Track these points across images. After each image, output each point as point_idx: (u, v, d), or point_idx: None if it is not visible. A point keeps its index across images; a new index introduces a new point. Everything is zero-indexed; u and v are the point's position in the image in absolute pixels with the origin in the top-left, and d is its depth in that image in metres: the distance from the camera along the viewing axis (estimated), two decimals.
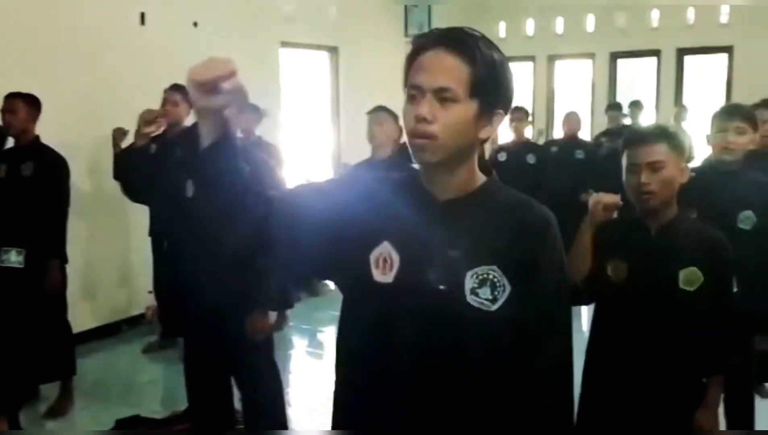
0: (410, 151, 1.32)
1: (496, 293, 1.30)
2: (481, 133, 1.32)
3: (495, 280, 1.31)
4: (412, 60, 1.32)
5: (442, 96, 1.26)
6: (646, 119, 8.26)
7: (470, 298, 1.30)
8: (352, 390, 1.42)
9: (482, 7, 9.10)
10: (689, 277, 2.08)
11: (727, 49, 8.28)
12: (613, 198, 2.22)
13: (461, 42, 1.28)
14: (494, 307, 1.30)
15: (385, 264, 1.34)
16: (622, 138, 2.25)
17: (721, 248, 2.14)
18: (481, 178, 1.39)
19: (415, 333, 1.31)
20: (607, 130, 7.85)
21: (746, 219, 2.84)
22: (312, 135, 7.76)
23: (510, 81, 1.35)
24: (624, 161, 2.15)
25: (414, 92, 1.30)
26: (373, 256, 1.35)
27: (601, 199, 2.21)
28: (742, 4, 7.93)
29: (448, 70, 1.27)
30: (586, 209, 2.27)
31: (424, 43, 1.31)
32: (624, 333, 2.13)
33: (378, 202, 1.38)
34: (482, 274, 1.31)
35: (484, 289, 1.30)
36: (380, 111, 4.16)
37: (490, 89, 1.29)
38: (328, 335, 5.51)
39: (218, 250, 1.75)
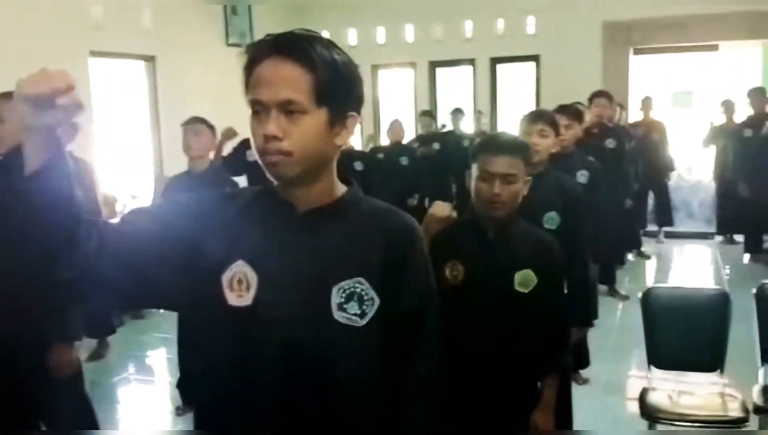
0: (264, 168, 1.23)
1: (364, 307, 1.25)
2: (338, 140, 1.26)
3: (363, 293, 1.25)
4: (249, 72, 1.23)
5: (288, 109, 1.19)
6: (466, 125, 8.66)
7: (337, 315, 1.23)
8: (215, 421, 1.29)
9: (305, 15, 9.10)
10: (524, 279, 2.12)
11: (535, 58, 8.85)
12: (444, 211, 2.24)
13: (297, 47, 1.21)
14: (363, 322, 1.25)
15: (240, 285, 1.24)
16: (477, 143, 2.26)
17: (553, 251, 2.21)
18: (341, 187, 1.33)
19: (280, 358, 1.22)
20: (419, 135, 8.16)
21: (550, 219, 3.00)
22: (130, 148, 7.35)
23: (357, 80, 1.29)
24: (476, 167, 2.15)
25: (258, 108, 1.21)
26: (225, 278, 1.24)
27: (434, 213, 2.22)
28: (548, 15, 8.52)
29: (289, 80, 1.19)
30: (414, 214, 2.28)
31: (259, 52, 1.22)
32: (462, 335, 2.13)
33: (227, 218, 1.28)
34: (349, 288, 1.24)
35: (351, 303, 1.24)
36: (196, 122, 3.99)
37: (338, 93, 1.23)
38: (157, 359, 5.22)
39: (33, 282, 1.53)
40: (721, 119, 8.06)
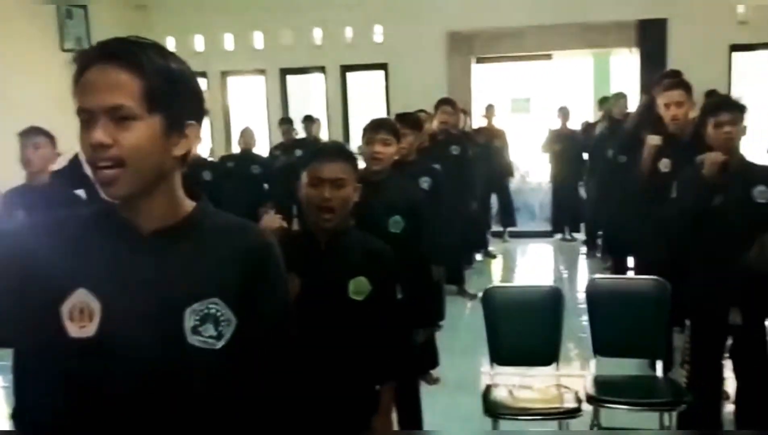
0: (97, 186, 1.14)
1: (221, 329, 1.19)
2: (176, 151, 1.19)
3: (218, 314, 1.19)
4: (76, 80, 1.15)
5: (117, 115, 1.12)
6: (320, 132, 8.68)
7: (192, 339, 1.17)
8: None
9: (148, 20, 8.77)
10: (357, 287, 2.14)
11: (383, 66, 9.03)
12: (274, 223, 2.22)
13: (125, 52, 1.14)
14: (221, 344, 1.19)
15: (81, 315, 1.15)
16: (304, 152, 2.27)
17: (386, 257, 2.24)
18: (188, 203, 1.26)
19: (131, 391, 1.14)
20: (280, 143, 8.09)
21: (395, 223, 3.07)
22: None
23: (194, 87, 1.23)
24: (306, 175, 2.15)
25: (85, 117, 1.13)
26: (65, 309, 1.15)
27: (266, 225, 2.20)
28: (394, 25, 8.72)
29: (116, 85, 1.12)
30: None
31: (87, 59, 1.15)
32: (301, 346, 2.12)
33: (63, 245, 1.18)
34: (203, 310, 1.18)
35: (206, 326, 1.18)
36: (35, 133, 3.72)
37: (172, 100, 1.17)
38: None
39: None
40: (557, 124, 8.59)
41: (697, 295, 3.22)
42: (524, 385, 3.28)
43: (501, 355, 3.31)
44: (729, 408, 3.45)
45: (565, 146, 8.25)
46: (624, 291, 3.42)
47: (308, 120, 8.29)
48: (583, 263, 7.81)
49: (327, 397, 2.10)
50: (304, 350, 1.97)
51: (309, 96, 10.07)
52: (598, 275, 4.35)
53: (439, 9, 8.45)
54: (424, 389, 4.25)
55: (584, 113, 8.10)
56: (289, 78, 9.47)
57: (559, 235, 8.83)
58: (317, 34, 9.13)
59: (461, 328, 5.40)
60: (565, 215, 8.67)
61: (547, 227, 9.05)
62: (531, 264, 8.10)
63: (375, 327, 2.17)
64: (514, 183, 9.06)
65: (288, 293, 1.36)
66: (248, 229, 1.31)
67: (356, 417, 2.17)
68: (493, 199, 8.68)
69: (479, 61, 9.29)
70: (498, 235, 8.80)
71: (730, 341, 3.26)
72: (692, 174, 3.17)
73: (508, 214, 8.76)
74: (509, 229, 8.85)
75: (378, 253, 2.23)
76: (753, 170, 3.19)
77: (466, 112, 7.95)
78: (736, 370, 3.25)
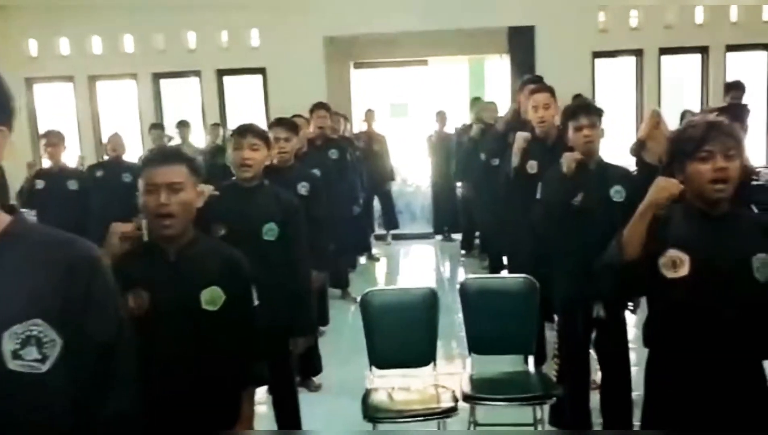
0: None
1: (45, 351, 1.12)
2: None
3: (41, 335, 1.12)
4: None
5: None
6: (196, 138, 8.45)
7: (13, 364, 1.09)
8: None
9: (5, 22, 8.24)
10: (211, 297, 2.10)
11: (261, 71, 8.92)
12: (126, 227, 2.14)
13: None
14: (46, 367, 1.12)
15: None
16: (140, 160, 2.20)
17: (238, 265, 2.21)
18: (4, 218, 1.17)
19: None
20: (150, 150, 7.77)
21: (270, 231, 3.02)
22: None
23: (4, 92, 1.16)
24: (142, 184, 2.10)
25: None
26: None
27: (113, 232, 2.11)
28: (271, 29, 8.62)
29: None
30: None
31: None
32: (156, 362, 2.03)
33: None
34: (23, 332, 1.11)
35: (28, 348, 1.11)
36: None
37: None
38: None
39: None
40: (435, 128, 8.78)
41: (563, 291, 3.36)
42: (403, 387, 3.31)
43: (380, 359, 3.32)
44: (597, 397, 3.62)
45: (444, 149, 8.44)
46: (495, 290, 3.52)
47: (182, 125, 8.05)
48: (463, 263, 8.01)
49: (186, 408, 2.04)
50: (153, 363, 1.92)
51: (184, 101, 9.78)
52: (470, 275, 4.45)
53: (316, 14, 8.44)
54: (307, 396, 4.24)
55: (461, 117, 8.31)
56: (163, 82, 9.17)
57: (439, 236, 9.03)
58: (191, 37, 8.89)
59: (345, 332, 5.39)
60: (445, 217, 8.88)
61: (429, 229, 9.23)
62: (414, 265, 8.22)
63: (231, 335, 2.13)
64: (395, 186, 9.18)
65: (119, 309, 1.30)
66: (71, 244, 1.24)
67: (218, 425, 2.12)
68: (376, 203, 8.75)
69: (357, 66, 9.36)
70: (381, 238, 8.89)
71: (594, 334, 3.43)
72: (555, 174, 3.32)
73: (390, 217, 8.87)
74: (392, 231, 8.96)
75: (232, 261, 2.19)
76: (610, 171, 3.37)
77: (346, 118, 7.98)
78: (601, 361, 3.42)
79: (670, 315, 2.14)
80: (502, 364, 3.56)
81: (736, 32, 8.53)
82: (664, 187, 2.10)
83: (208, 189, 2.73)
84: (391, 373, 3.44)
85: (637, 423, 2.73)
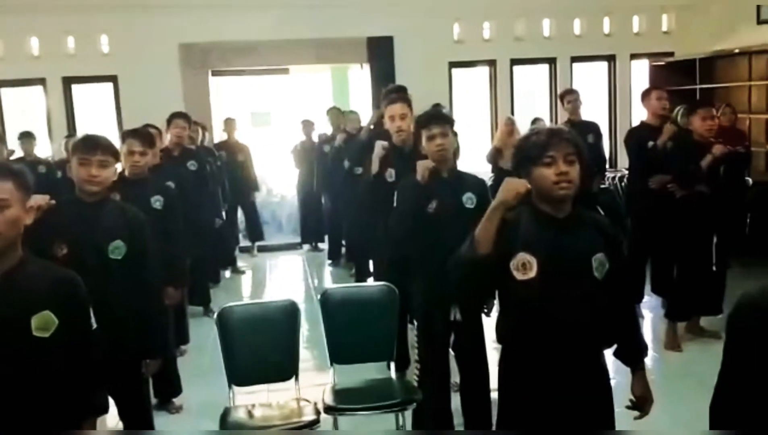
0: None
1: None
2: None
3: None
4: None
5: None
6: (42, 150, 7.92)
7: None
8: None
9: None
10: (42, 323, 1.94)
11: (112, 78, 8.50)
12: None
13: None
14: None
15: None
16: None
17: (73, 286, 2.06)
18: None
19: None
20: None
21: (116, 249, 2.85)
22: None
23: None
24: None
25: None
26: None
27: None
28: (122, 35, 8.24)
29: None
30: None
31: None
32: None
33: None
34: None
35: None
36: None
37: None
38: None
39: None
40: (300, 137, 8.71)
41: (421, 296, 3.40)
42: (265, 403, 3.23)
43: (241, 375, 3.23)
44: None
45: (309, 159, 8.40)
46: (356, 298, 3.51)
47: (25, 137, 7.48)
48: (331, 272, 7.99)
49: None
50: None
51: (28, 111, 9.14)
52: (331, 285, 4.43)
53: (170, 20, 8.15)
54: (167, 418, 4.06)
55: (325, 126, 8.32)
56: (3, 91, 8.53)
57: (307, 247, 8.96)
58: (35, 43, 8.33)
59: (207, 350, 5.20)
60: (312, 226, 8.84)
61: (296, 239, 9.14)
62: (281, 277, 8.10)
63: (66, 363, 2.00)
64: (260, 197, 9.03)
65: None
66: None
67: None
68: (240, 214, 8.56)
69: (216, 73, 9.12)
70: (246, 250, 8.71)
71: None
72: (410, 182, 3.37)
73: (254, 229, 8.70)
74: (257, 243, 8.79)
75: (64, 282, 2.05)
76: (463, 179, 3.46)
77: (205, 128, 7.75)
78: (459, 363, 3.50)
79: (520, 314, 2.22)
80: (368, 372, 3.56)
81: (581, 44, 9.08)
82: (511, 187, 2.16)
83: (43, 200, 2.54)
84: (256, 389, 3.35)
85: None
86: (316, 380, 3.68)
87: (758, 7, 7.96)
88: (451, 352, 3.55)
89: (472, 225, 3.00)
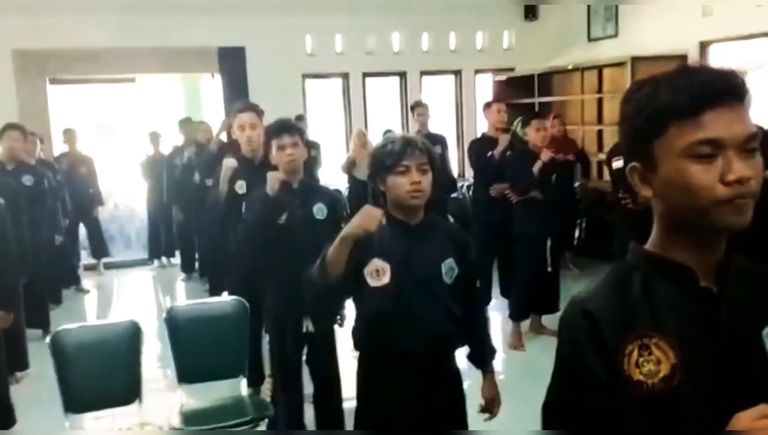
0: None
1: None
2: None
3: None
4: None
5: None
6: None
7: None
8: None
9: None
10: None
11: None
12: None
13: None
14: None
15: None
16: None
17: None
18: None
19: None
20: None
21: None
22: None
23: None
24: None
25: None
26: None
27: None
28: None
29: None
30: None
31: None
32: None
33: None
34: None
35: None
36: None
37: None
38: None
39: None
40: (149, 149, 8.38)
41: (273, 309, 3.37)
42: (106, 429, 3.07)
43: (78, 402, 3.05)
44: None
45: (158, 171, 8.11)
46: (204, 314, 3.41)
47: None
48: (184, 288, 7.73)
49: None
50: None
51: None
52: (184, 301, 4.29)
53: (2, 24, 7.59)
54: None
55: (177, 138, 8.04)
56: None
57: (157, 262, 8.63)
58: None
59: (47, 376, 4.86)
60: (162, 241, 8.53)
61: (145, 254, 8.77)
62: (129, 295, 7.73)
63: None
64: (106, 211, 8.60)
65: None
66: None
67: None
68: (82, 230, 8.09)
69: (54, 82, 8.58)
70: (92, 267, 8.24)
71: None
72: (259, 194, 3.33)
73: (99, 245, 8.25)
74: (103, 260, 8.35)
75: None
76: (313, 190, 3.47)
77: (42, 139, 7.26)
78: (313, 375, 3.50)
79: (375, 320, 2.27)
80: (222, 389, 3.47)
81: (429, 59, 9.39)
82: (364, 222, 2.16)
83: None
84: (104, 413, 3.18)
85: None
86: (167, 401, 3.54)
87: (589, 27, 8.60)
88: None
89: (324, 236, 3.04)
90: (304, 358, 3.46)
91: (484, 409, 2.47)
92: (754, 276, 1.17)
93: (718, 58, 7.02)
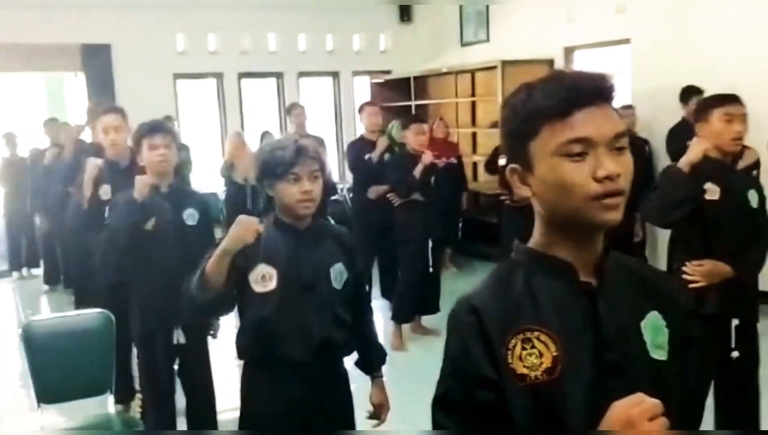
0: None
1: None
2: None
3: None
4: None
5: None
6: None
7: None
8: None
9: None
10: None
11: None
12: None
13: None
14: None
15: None
16: None
17: None
18: None
19: None
20: None
21: None
22: None
23: None
24: None
25: None
26: None
27: None
28: None
29: None
30: None
31: None
32: None
33: None
34: None
35: None
36: None
37: None
38: None
39: None
40: (5, 152, 7.81)
41: (141, 320, 3.20)
42: None
43: None
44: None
45: (16, 175, 7.56)
46: (65, 329, 3.15)
47: None
48: (47, 301, 7.25)
49: None
50: None
51: None
52: (35, 317, 3.97)
53: None
54: None
55: (41, 139, 7.50)
56: None
57: (17, 274, 8.06)
58: None
59: None
60: (23, 251, 7.98)
61: (4, 266, 8.16)
62: None
63: None
64: None
65: None
66: None
67: None
68: None
69: None
70: None
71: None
72: (125, 198, 3.14)
73: None
74: None
75: None
76: (184, 194, 3.32)
77: None
78: (186, 388, 3.34)
79: (261, 327, 2.20)
80: (89, 408, 3.24)
81: (306, 60, 9.30)
82: (238, 237, 2.12)
83: None
84: None
85: None
86: (28, 423, 3.27)
87: (462, 31, 8.81)
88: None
89: (197, 243, 2.91)
90: (176, 370, 3.30)
91: (372, 416, 2.44)
92: (628, 270, 1.23)
93: (582, 63, 7.38)
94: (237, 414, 2.33)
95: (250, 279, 2.17)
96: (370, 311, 2.54)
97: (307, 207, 2.20)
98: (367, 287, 2.56)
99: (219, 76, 9.00)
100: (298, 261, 2.21)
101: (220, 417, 3.24)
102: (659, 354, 1.16)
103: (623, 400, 1.02)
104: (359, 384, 2.51)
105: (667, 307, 1.20)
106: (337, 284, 2.25)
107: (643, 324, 1.16)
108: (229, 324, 3.09)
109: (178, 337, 3.15)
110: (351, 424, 2.38)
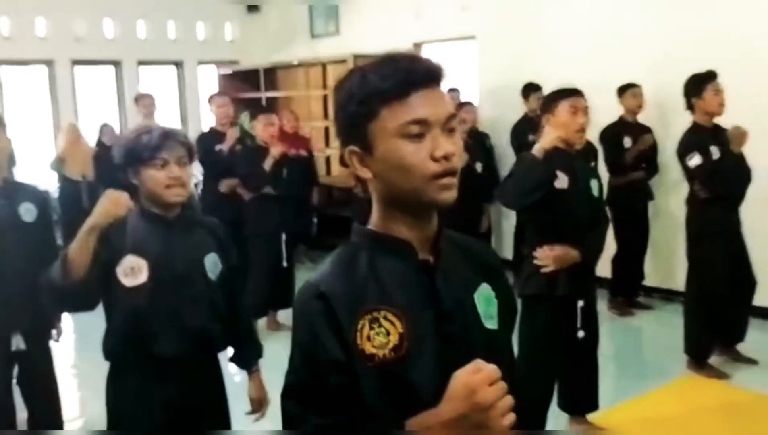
0: None
1: None
2: None
3: None
4: None
5: None
6: None
7: None
8: None
9: None
10: None
11: None
12: None
13: None
14: None
15: None
16: None
17: None
18: None
19: None
20: None
21: None
22: None
23: None
24: None
25: None
26: None
27: None
28: None
29: None
30: None
31: None
32: None
33: None
34: None
35: None
36: None
37: None
38: None
39: None
40: None
41: None
42: None
43: None
44: None
45: None
46: None
47: None
48: None
49: None
50: None
51: None
52: None
53: None
54: None
55: None
56: None
57: None
58: None
59: None
60: None
61: None
62: None
63: None
64: None
65: None
66: None
67: None
68: None
69: None
70: None
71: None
72: None
73: None
74: None
75: None
76: (19, 188, 3.03)
77: None
78: (26, 398, 3.07)
79: (131, 323, 2.08)
80: None
81: (147, 48, 8.85)
82: (108, 211, 2.02)
83: None
84: None
85: None
86: None
87: (311, 24, 8.75)
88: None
89: (36, 240, 2.70)
90: (14, 380, 3.02)
91: (253, 411, 2.39)
92: (459, 246, 1.27)
93: (431, 58, 7.56)
94: (82, 423, 2.18)
95: (118, 272, 2.06)
96: (244, 305, 2.46)
97: (178, 194, 2.11)
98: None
99: (49, 63, 8.36)
100: (170, 251, 2.12)
101: (68, 427, 3.00)
102: (491, 323, 1.21)
103: (463, 369, 1.06)
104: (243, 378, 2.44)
105: (493, 278, 1.27)
106: (212, 275, 2.19)
107: (476, 296, 1.22)
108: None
109: (18, 343, 2.87)
110: (226, 422, 2.32)
